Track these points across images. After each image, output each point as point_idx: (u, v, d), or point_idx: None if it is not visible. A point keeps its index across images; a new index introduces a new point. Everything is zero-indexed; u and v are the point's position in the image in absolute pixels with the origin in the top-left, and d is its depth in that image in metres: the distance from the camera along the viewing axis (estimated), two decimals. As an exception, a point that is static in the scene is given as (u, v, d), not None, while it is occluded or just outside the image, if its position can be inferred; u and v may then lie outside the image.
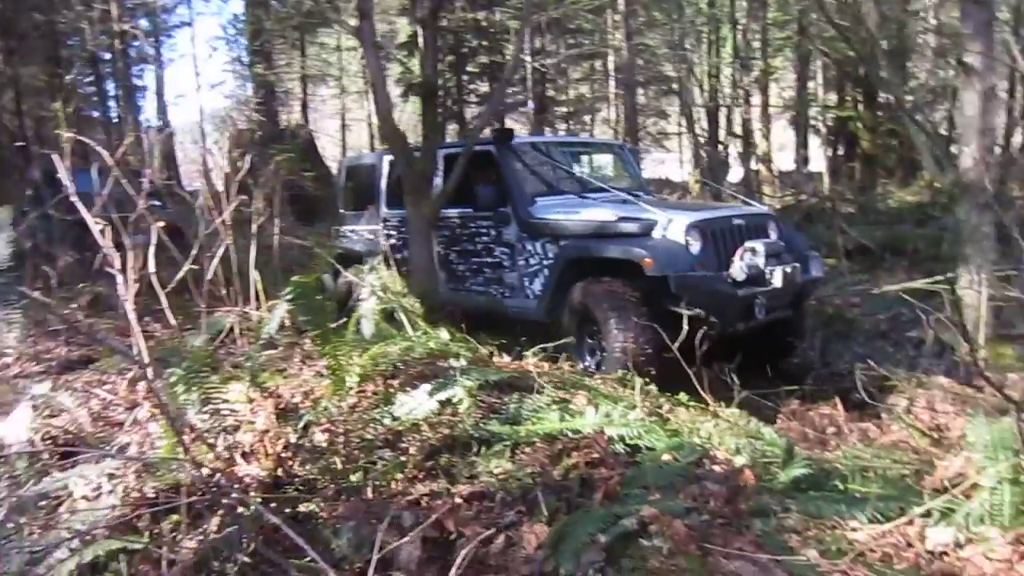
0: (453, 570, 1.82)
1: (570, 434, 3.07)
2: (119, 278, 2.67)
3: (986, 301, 5.71)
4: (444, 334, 3.94)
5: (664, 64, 18.87)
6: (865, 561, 2.33)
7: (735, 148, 16.87)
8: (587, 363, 5.22)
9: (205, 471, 2.58)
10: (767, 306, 5.18)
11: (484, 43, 17.64)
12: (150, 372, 2.42)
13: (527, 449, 2.94)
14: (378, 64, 5.16)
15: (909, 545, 2.60)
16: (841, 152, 18.19)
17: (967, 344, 4.42)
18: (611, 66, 16.87)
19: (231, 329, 3.54)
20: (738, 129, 17.06)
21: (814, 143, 19.81)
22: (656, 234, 5.16)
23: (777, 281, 5.17)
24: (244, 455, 2.70)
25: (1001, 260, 6.09)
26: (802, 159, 18.84)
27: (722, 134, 16.48)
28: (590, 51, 18.85)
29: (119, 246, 3.06)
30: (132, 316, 2.49)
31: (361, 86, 16.85)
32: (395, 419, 3.04)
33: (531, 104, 17.20)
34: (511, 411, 3.27)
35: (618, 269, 5.16)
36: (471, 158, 6.09)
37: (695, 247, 5.09)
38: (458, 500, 2.68)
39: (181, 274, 3.11)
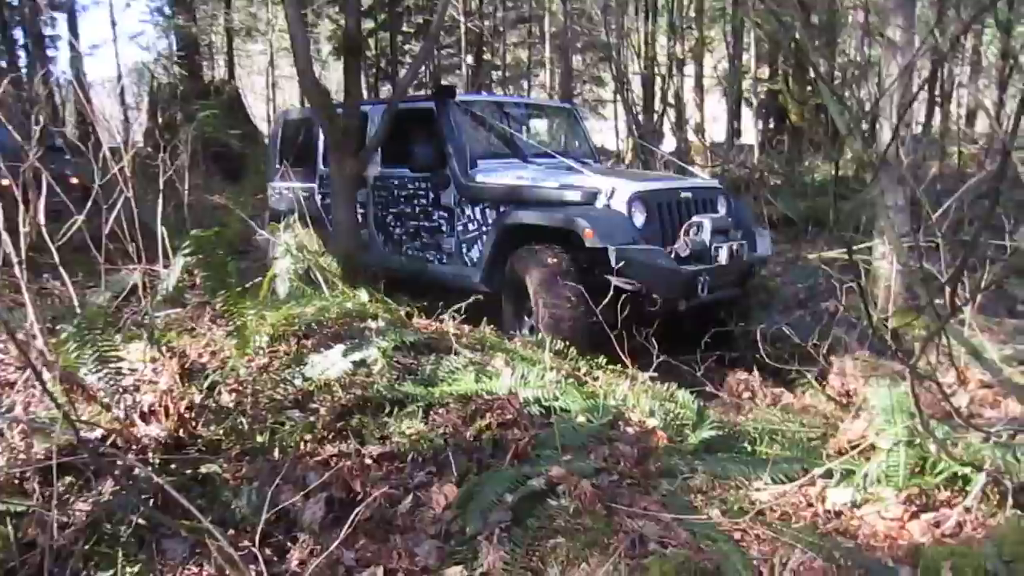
0: (346, 527, 1.78)
1: (485, 396, 3.05)
2: (2, 232, 2.51)
3: (896, 273, 5.92)
4: (363, 295, 3.86)
5: (600, 30, 18.80)
6: (765, 520, 2.38)
7: (669, 118, 16.99)
8: (523, 332, 5.09)
9: (98, 432, 2.47)
10: (711, 284, 4.97)
11: (419, 2, 17.27)
12: (36, 329, 2.28)
13: (440, 410, 2.91)
14: (297, 13, 4.94)
15: (809, 505, 2.68)
16: (771, 125, 18.54)
17: (869, 313, 4.57)
18: (547, 30, 16.73)
19: (135, 287, 3.38)
20: (672, 99, 17.17)
21: (746, 115, 20.13)
22: (599, 203, 4.97)
23: (723, 259, 4.99)
24: (143, 415, 2.58)
25: (914, 233, 6.29)
26: (734, 131, 19.13)
27: (657, 103, 16.57)
28: (527, 14, 18.66)
29: (13, 198, 2.88)
30: (19, 271, 2.34)
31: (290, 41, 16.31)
32: (306, 379, 2.96)
33: (469, 59, 16.92)
34: (427, 372, 3.24)
35: (558, 239, 4.96)
36: (409, 115, 5.87)
37: (639, 219, 4.90)
38: (367, 461, 2.64)
39: (74, 227, 2.93)
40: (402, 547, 2.20)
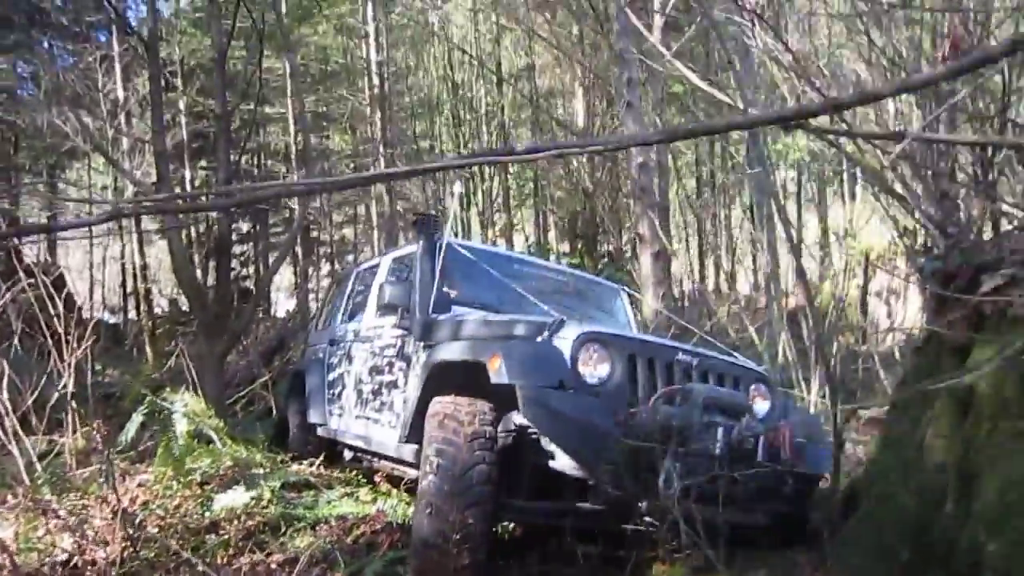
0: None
1: (358, 515, 4.03)
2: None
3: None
4: (244, 449, 4.75)
5: (421, 211, 20.86)
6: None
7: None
8: None
9: (63, 556, 3.21)
10: (687, 480, 3.01)
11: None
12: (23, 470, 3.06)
13: (325, 526, 3.85)
14: (177, 222, 5.97)
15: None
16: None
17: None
18: (373, 212, 18.42)
19: (58, 453, 4.11)
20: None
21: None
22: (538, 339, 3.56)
23: (716, 445, 3.19)
24: (95, 542, 3.34)
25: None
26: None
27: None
28: (353, 200, 20.42)
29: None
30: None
31: (112, 225, 16.67)
32: (213, 512, 3.81)
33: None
34: (309, 502, 4.17)
35: (477, 383, 3.40)
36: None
37: (597, 369, 3.39)
38: (273, 566, 3.51)
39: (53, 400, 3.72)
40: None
